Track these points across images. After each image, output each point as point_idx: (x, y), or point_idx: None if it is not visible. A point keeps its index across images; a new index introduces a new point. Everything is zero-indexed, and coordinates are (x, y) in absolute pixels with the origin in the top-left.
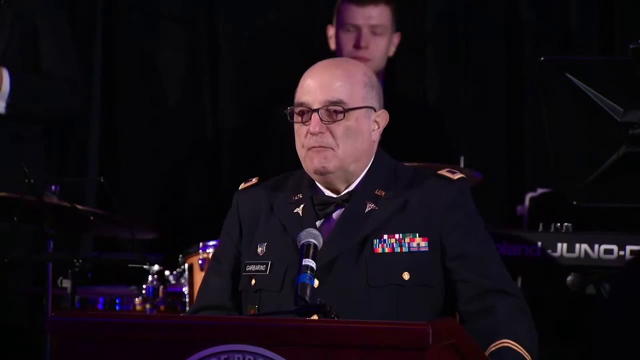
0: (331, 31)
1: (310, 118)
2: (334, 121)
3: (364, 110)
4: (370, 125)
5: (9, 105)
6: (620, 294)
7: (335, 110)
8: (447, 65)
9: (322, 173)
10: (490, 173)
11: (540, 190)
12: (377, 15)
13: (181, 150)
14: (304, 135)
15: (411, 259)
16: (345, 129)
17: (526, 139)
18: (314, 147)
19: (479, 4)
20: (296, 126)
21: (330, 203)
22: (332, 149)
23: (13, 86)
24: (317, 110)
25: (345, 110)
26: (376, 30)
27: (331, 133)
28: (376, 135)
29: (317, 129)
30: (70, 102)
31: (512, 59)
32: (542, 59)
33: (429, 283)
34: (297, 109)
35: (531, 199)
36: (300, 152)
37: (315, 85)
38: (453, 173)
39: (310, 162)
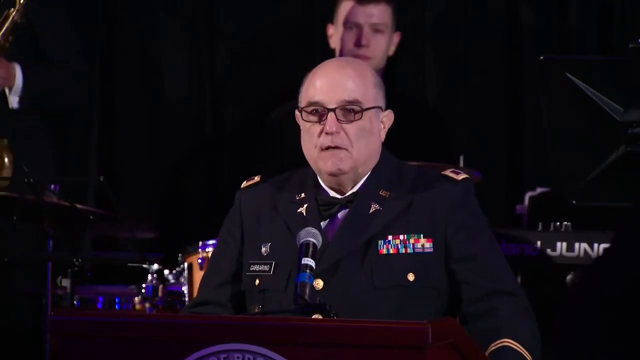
0: (331, 30)
1: (326, 117)
2: (350, 121)
3: (375, 110)
4: (379, 125)
5: (21, 100)
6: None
7: (352, 110)
8: (447, 65)
9: (337, 174)
10: (490, 173)
11: (540, 190)
12: (378, 14)
13: (181, 150)
14: (317, 135)
15: (416, 260)
16: (359, 129)
17: (526, 139)
18: (329, 147)
19: (479, 4)
20: (307, 125)
21: (334, 204)
22: (347, 150)
23: (25, 81)
24: (333, 110)
25: (362, 110)
26: (377, 29)
27: (346, 133)
28: (383, 135)
29: (334, 129)
30: (75, 93)
31: (512, 59)
32: (542, 58)
33: (434, 284)
34: (309, 109)
35: (531, 198)
36: (312, 152)
37: (328, 85)
38: (457, 174)
39: (324, 164)
